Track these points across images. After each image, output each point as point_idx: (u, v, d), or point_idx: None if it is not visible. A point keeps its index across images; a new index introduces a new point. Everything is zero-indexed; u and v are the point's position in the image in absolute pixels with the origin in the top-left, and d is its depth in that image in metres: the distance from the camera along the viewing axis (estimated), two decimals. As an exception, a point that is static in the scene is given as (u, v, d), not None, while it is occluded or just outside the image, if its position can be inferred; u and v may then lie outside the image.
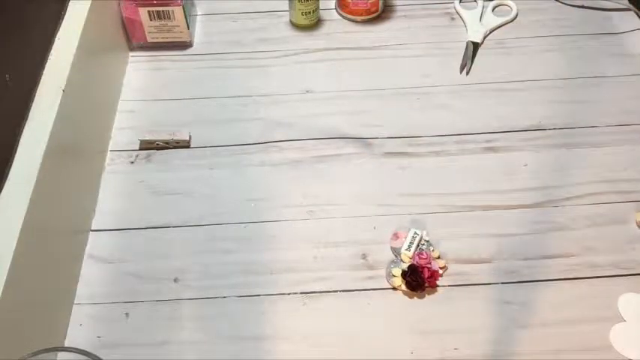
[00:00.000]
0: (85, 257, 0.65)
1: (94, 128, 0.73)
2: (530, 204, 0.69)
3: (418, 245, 0.64)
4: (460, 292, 0.63)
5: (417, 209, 0.69)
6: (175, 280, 0.64)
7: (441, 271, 0.63)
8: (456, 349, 0.59)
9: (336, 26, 0.90)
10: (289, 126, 0.77)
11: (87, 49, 0.69)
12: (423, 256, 0.63)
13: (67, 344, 0.59)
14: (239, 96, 0.80)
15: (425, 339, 0.60)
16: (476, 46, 0.86)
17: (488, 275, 0.64)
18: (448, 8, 0.92)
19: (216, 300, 0.62)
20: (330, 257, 0.65)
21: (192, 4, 0.90)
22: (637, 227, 0.67)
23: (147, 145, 0.74)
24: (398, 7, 0.92)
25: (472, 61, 0.84)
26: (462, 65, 0.84)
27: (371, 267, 0.65)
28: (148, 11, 0.81)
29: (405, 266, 0.62)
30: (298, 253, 0.66)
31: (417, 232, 0.65)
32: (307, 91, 0.81)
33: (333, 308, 0.62)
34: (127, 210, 0.69)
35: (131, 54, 0.85)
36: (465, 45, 0.86)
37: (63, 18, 0.69)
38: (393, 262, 0.64)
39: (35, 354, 0.48)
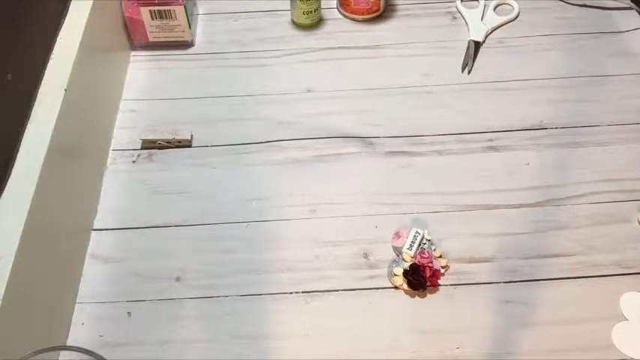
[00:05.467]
0: (87, 256, 0.65)
1: (96, 128, 0.73)
2: (532, 203, 0.69)
3: (420, 244, 0.64)
4: (462, 291, 0.63)
5: (418, 208, 0.69)
6: (177, 279, 0.64)
7: (442, 270, 0.63)
8: (457, 348, 0.59)
9: (337, 25, 0.89)
10: (291, 125, 0.77)
11: (88, 49, 0.69)
12: (425, 255, 0.62)
13: (69, 343, 0.59)
14: (240, 95, 0.80)
15: (426, 338, 0.60)
16: (477, 45, 0.86)
17: (490, 274, 0.64)
18: (450, 7, 0.92)
19: (218, 299, 0.62)
20: (331, 256, 0.65)
21: (194, 4, 0.90)
22: (639, 226, 0.67)
23: (148, 145, 0.74)
24: (399, 7, 0.92)
25: (474, 60, 0.84)
26: (463, 64, 0.84)
27: (372, 266, 0.65)
28: (150, 11, 0.81)
29: (406, 265, 0.62)
30: (300, 252, 0.66)
31: (419, 231, 0.65)
32: (309, 91, 0.81)
33: (335, 307, 0.62)
34: (128, 209, 0.69)
35: (133, 53, 0.85)
36: (466, 44, 0.86)
37: (64, 17, 0.69)
38: (394, 261, 0.64)
39: (38, 353, 0.48)
